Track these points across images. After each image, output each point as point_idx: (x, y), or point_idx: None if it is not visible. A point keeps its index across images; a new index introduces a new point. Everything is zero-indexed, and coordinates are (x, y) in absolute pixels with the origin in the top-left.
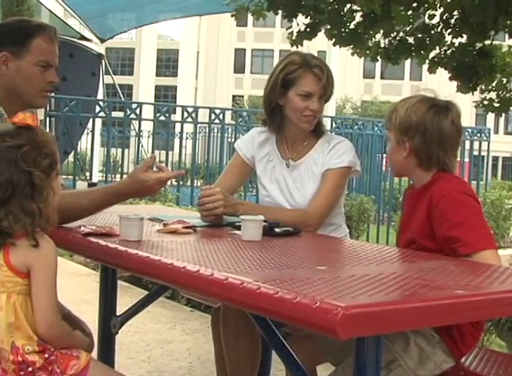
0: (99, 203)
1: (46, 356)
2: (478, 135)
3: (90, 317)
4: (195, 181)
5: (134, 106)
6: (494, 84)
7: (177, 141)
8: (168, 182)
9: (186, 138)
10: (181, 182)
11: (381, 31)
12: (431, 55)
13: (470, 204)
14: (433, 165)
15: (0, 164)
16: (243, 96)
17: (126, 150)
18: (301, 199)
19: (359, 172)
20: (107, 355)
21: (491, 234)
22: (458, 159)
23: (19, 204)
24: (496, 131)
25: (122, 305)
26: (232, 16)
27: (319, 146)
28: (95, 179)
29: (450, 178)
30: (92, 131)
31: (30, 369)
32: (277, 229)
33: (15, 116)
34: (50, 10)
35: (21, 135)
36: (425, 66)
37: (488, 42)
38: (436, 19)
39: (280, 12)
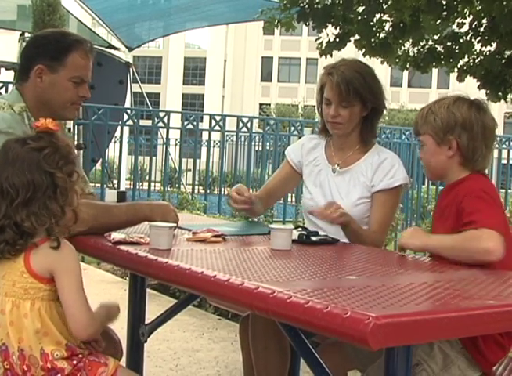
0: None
1: (75, 362)
2: (507, 143)
3: (118, 325)
4: (222, 189)
5: (162, 114)
6: None
7: (204, 149)
8: (196, 190)
9: (214, 146)
10: (208, 191)
11: (410, 40)
12: (460, 63)
13: (485, 198)
14: (474, 162)
15: (22, 165)
16: (269, 104)
17: (153, 158)
18: (342, 205)
19: (409, 185)
20: (136, 363)
21: (502, 221)
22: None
23: (43, 204)
24: None
25: (150, 313)
26: (263, 28)
27: (368, 158)
28: (122, 187)
29: (478, 178)
30: (120, 140)
31: (59, 375)
32: (314, 238)
33: (36, 121)
34: (78, 19)
35: (42, 138)
36: (453, 75)
37: None
38: (465, 28)
39: (310, 23)
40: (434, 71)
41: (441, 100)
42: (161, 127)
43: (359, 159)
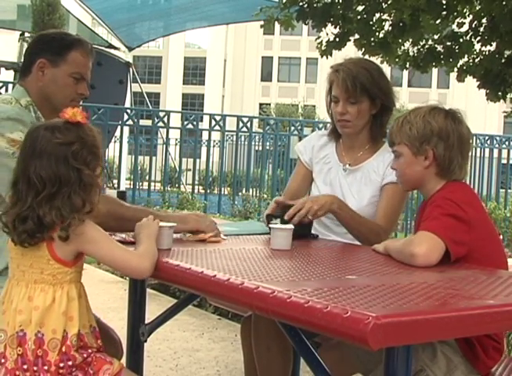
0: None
1: (85, 356)
2: (507, 143)
3: (118, 325)
4: (222, 189)
5: (162, 114)
6: None
7: (204, 149)
8: (196, 190)
9: (214, 146)
10: (208, 191)
11: (410, 40)
12: (460, 63)
13: (443, 205)
14: (450, 172)
15: (50, 159)
16: (269, 104)
17: (153, 158)
18: (354, 204)
19: None
20: (136, 363)
21: (451, 226)
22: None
23: (67, 197)
24: None
25: (150, 313)
26: (261, 26)
27: (379, 155)
28: (122, 187)
29: (452, 186)
30: (120, 139)
31: (70, 363)
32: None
33: (64, 111)
34: (78, 19)
35: (71, 131)
36: (453, 75)
37: None
38: (465, 28)
39: (309, 22)
40: (434, 71)
41: (416, 110)
42: (161, 127)
43: (370, 158)
